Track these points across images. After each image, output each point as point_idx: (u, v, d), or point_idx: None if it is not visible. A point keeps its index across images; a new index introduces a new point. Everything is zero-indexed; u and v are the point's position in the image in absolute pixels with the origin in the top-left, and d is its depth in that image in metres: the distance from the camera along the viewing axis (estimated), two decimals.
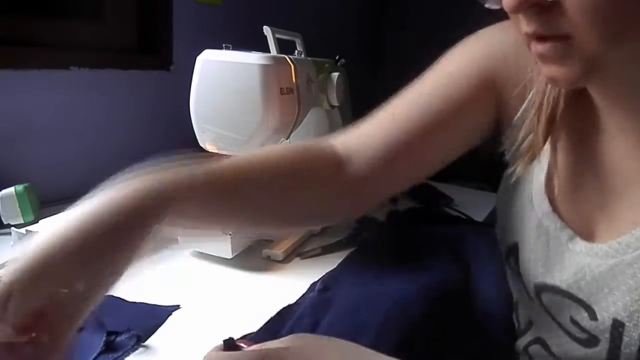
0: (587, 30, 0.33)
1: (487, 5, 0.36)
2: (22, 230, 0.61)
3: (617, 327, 0.40)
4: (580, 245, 0.44)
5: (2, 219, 0.74)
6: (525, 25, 0.35)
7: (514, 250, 0.51)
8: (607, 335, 0.41)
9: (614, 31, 0.33)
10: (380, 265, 0.70)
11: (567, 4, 0.32)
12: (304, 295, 0.61)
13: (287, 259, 0.73)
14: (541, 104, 0.44)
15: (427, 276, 0.68)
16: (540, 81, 0.44)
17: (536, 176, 0.47)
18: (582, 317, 0.43)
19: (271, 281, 0.67)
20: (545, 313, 0.48)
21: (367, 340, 0.51)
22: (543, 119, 0.44)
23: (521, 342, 0.56)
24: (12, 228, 0.63)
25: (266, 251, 0.73)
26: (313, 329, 0.53)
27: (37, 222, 0.65)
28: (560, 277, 0.45)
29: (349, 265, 0.71)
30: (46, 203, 0.83)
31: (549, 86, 0.43)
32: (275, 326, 0.53)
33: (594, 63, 0.34)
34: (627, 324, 0.39)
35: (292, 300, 0.60)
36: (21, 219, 0.74)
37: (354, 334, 0.52)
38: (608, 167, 0.43)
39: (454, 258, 0.74)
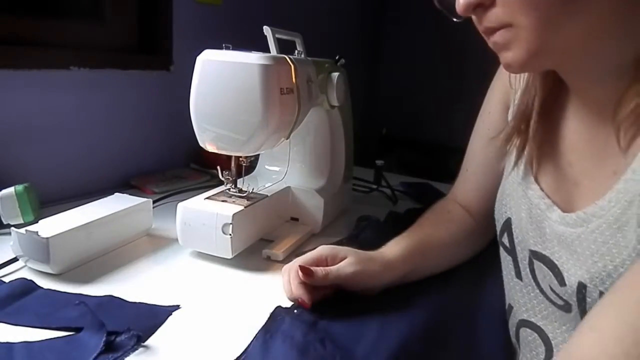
0: (522, 17, 0.40)
1: (454, 19, 0.44)
2: (22, 230, 0.61)
3: (581, 289, 0.45)
4: (555, 214, 0.49)
5: (2, 219, 0.74)
6: (478, 24, 0.43)
7: (507, 225, 0.57)
8: (574, 298, 0.46)
9: (546, 17, 0.39)
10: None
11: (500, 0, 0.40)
12: None
13: (287, 259, 0.73)
14: (522, 100, 0.54)
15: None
16: (532, 86, 0.53)
17: (524, 155, 0.55)
18: (555, 284, 0.49)
19: (271, 281, 0.67)
20: (535, 285, 0.53)
21: (367, 342, 0.52)
22: (523, 106, 0.53)
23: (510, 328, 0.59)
24: (12, 228, 0.63)
25: (266, 251, 0.73)
26: (313, 322, 0.53)
27: (37, 222, 0.65)
28: (543, 244, 0.51)
29: None
30: (46, 203, 0.83)
31: (529, 82, 0.53)
32: (273, 322, 0.53)
33: (536, 47, 0.41)
34: (589, 285, 0.44)
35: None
36: (21, 219, 0.74)
37: (355, 337, 0.52)
38: (580, 146, 0.49)
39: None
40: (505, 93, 0.61)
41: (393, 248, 0.65)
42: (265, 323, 0.53)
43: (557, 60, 0.45)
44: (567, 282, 0.47)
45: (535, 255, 0.52)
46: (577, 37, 0.40)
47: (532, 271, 0.53)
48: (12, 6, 0.86)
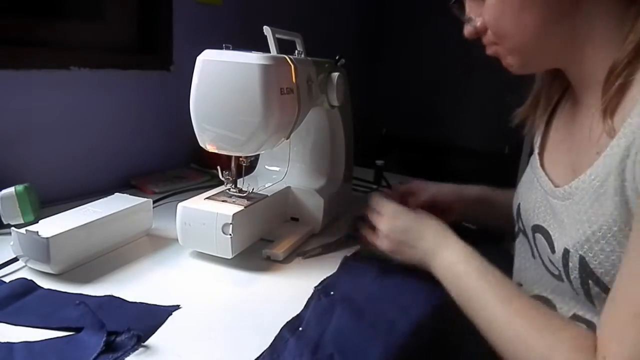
0: (501, 39, 0.55)
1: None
2: (22, 230, 0.61)
3: (565, 255, 0.51)
4: (550, 189, 0.57)
5: (2, 219, 0.74)
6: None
7: (518, 210, 0.66)
8: (561, 264, 0.52)
9: (519, 38, 0.53)
10: (379, 264, 0.70)
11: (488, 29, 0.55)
12: (306, 304, 0.60)
13: (287, 259, 0.73)
14: (538, 97, 0.66)
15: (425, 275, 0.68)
16: (540, 80, 0.65)
17: (536, 146, 0.65)
18: (549, 253, 0.55)
19: (271, 281, 0.67)
20: (540, 261, 0.59)
21: (376, 347, 0.52)
22: (542, 109, 0.65)
23: None
24: (12, 228, 0.63)
25: (266, 251, 0.73)
26: (319, 338, 0.53)
27: (37, 222, 0.65)
28: (544, 217, 0.58)
29: (349, 268, 0.71)
30: (46, 203, 0.83)
31: (545, 86, 0.65)
32: (279, 343, 0.52)
33: (521, 55, 0.55)
34: (571, 250, 0.50)
35: (292, 300, 0.60)
36: (21, 219, 0.74)
37: (362, 342, 0.53)
38: (578, 136, 0.57)
39: None
40: None
41: (472, 187, 0.85)
42: (271, 344, 0.52)
43: (547, 64, 0.58)
44: (556, 250, 0.53)
45: (536, 228, 0.59)
46: (553, 50, 0.53)
47: (536, 246, 0.60)
48: (12, 6, 0.86)
